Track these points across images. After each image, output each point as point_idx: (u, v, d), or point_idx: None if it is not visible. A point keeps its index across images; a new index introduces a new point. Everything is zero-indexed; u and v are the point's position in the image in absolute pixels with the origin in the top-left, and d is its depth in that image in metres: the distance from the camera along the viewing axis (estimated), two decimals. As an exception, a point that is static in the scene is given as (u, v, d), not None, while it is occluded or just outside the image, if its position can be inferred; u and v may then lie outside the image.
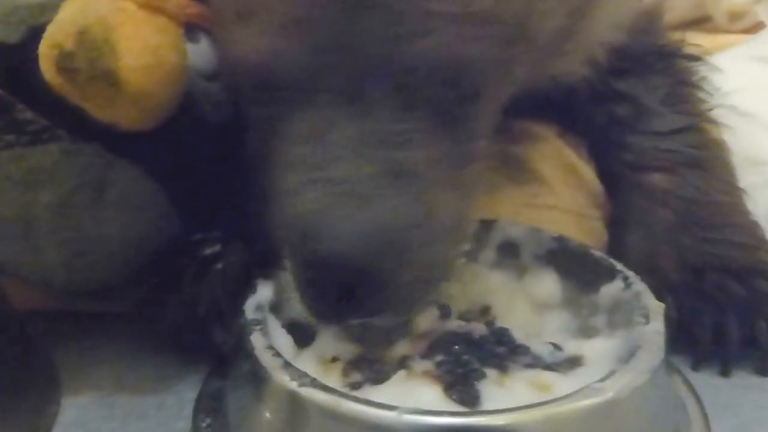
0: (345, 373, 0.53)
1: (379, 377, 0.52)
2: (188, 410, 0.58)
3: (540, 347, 0.55)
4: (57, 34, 0.52)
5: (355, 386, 0.51)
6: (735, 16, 1.09)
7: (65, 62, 0.52)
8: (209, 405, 0.57)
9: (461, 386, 0.49)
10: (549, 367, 0.52)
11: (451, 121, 0.52)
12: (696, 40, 1.01)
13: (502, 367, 0.52)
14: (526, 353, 0.54)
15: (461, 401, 0.48)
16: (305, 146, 0.50)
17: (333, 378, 0.52)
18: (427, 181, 0.50)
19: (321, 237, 0.47)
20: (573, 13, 0.58)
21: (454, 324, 0.57)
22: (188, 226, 0.63)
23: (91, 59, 0.52)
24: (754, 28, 1.09)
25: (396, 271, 0.48)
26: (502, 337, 0.56)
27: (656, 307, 0.53)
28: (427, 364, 0.52)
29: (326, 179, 0.48)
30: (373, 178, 0.48)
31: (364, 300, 0.48)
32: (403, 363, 0.53)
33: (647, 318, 0.52)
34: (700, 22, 1.13)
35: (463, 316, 0.59)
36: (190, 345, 0.62)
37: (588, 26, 0.63)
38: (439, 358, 0.53)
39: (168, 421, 0.58)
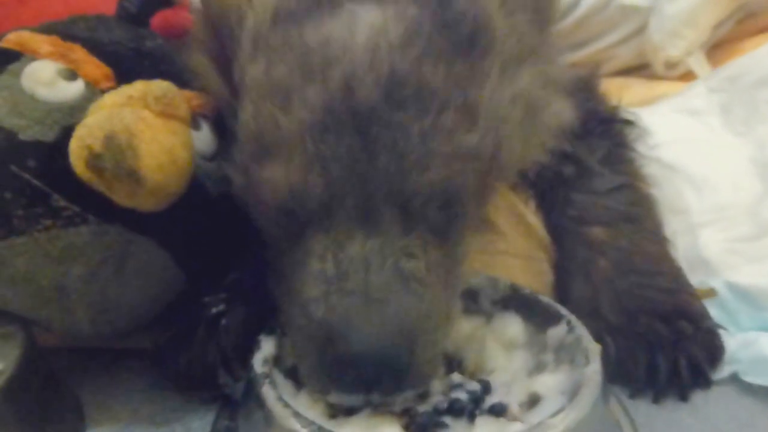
0: (329, 404, 0.60)
1: (350, 410, 0.59)
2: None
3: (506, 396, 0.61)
4: (87, 137, 0.58)
5: (333, 416, 0.59)
6: (670, 64, 1.17)
7: (94, 162, 0.58)
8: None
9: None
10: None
11: (443, 236, 0.61)
12: (636, 86, 1.12)
13: (471, 417, 0.59)
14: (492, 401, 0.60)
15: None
16: (324, 262, 0.58)
17: (319, 408, 0.60)
18: (427, 284, 0.58)
19: (349, 338, 0.54)
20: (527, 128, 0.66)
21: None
22: (196, 286, 0.71)
23: (116, 161, 0.58)
24: (687, 76, 1.17)
25: (411, 357, 0.56)
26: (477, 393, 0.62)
27: (594, 349, 0.61)
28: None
29: (346, 289, 0.56)
30: (385, 285, 0.56)
31: (390, 382, 0.56)
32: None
33: (587, 359, 0.60)
34: (640, 68, 1.22)
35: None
36: (198, 387, 0.71)
37: (540, 127, 0.69)
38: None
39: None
